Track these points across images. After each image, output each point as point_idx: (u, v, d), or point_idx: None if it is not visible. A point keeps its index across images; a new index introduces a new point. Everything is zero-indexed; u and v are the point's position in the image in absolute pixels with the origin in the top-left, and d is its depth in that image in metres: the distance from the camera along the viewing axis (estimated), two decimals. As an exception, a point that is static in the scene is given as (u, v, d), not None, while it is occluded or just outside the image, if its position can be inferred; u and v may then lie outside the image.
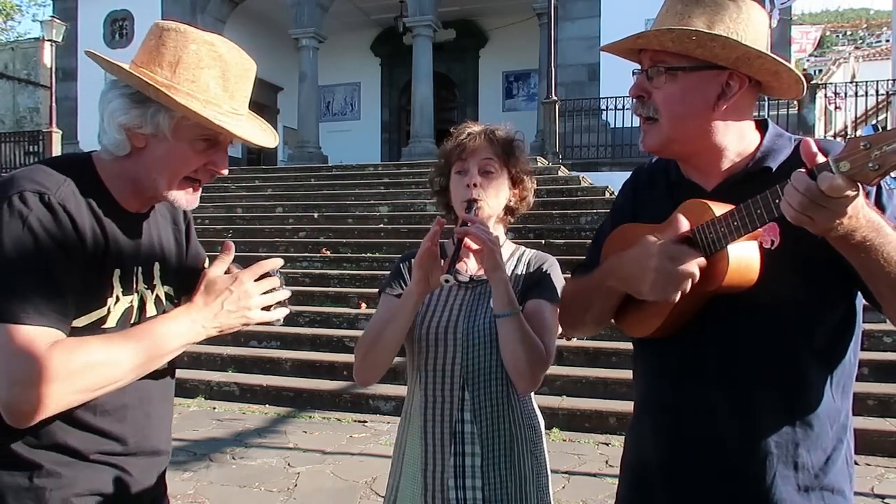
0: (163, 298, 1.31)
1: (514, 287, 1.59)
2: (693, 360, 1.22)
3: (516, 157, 1.62)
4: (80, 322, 1.13)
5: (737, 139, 1.22)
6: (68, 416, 1.14)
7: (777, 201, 0.99)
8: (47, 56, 13.63)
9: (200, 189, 1.25)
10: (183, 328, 1.16)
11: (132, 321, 1.22)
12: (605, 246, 1.37)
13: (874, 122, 11.67)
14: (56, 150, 13.52)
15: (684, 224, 1.12)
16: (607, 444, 4.57)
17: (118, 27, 15.36)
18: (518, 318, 1.47)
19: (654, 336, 1.24)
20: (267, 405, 5.52)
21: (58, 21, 13.51)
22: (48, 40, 13.40)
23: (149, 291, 1.28)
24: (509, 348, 1.47)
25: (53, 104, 13.78)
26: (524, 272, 1.64)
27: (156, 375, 1.30)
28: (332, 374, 5.81)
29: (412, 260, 1.56)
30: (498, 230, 1.67)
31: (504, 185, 1.61)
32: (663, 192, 1.27)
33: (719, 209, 1.11)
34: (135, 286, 1.24)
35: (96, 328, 1.15)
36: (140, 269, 1.25)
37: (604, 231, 1.43)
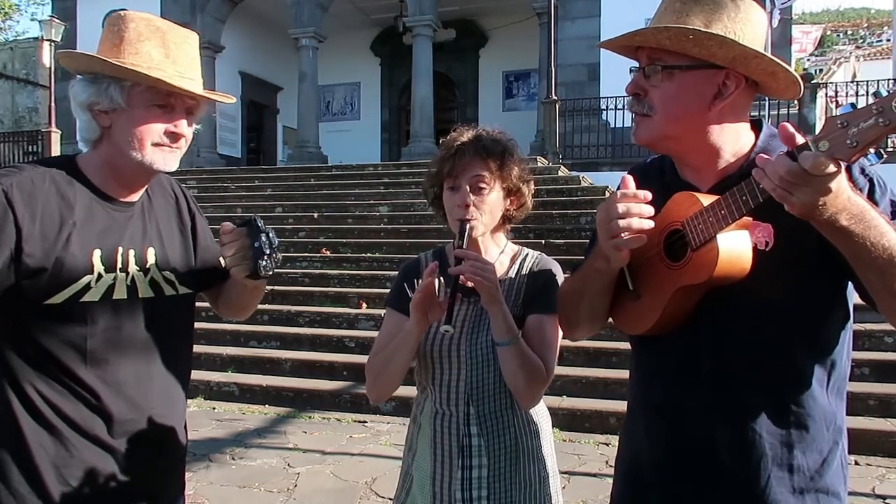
0: (161, 283, 1.37)
1: (515, 295, 1.59)
2: (688, 361, 1.22)
3: (510, 168, 1.56)
4: (57, 298, 1.22)
5: (732, 139, 1.22)
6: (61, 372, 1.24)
7: (760, 186, 1.00)
8: (46, 56, 13.59)
9: (177, 150, 1.33)
10: None
11: (117, 297, 1.29)
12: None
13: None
14: (55, 150, 13.51)
15: (628, 180, 1.16)
16: (607, 444, 4.56)
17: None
18: (517, 346, 1.47)
19: (650, 333, 1.24)
20: (267, 405, 5.51)
21: (57, 21, 13.50)
22: (47, 40, 13.37)
23: (142, 274, 1.34)
24: (509, 373, 1.49)
25: (52, 104, 13.76)
26: (526, 280, 1.61)
27: (155, 374, 1.36)
28: (331, 375, 5.80)
29: (416, 273, 1.62)
30: (497, 237, 1.66)
31: (498, 198, 1.57)
32: (658, 193, 1.26)
33: (707, 201, 1.12)
34: (119, 266, 1.30)
35: (75, 302, 1.24)
36: (132, 251, 1.33)
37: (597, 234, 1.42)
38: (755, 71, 1.17)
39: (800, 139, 0.94)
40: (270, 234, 1.30)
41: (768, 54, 1.14)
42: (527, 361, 1.47)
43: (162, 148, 1.29)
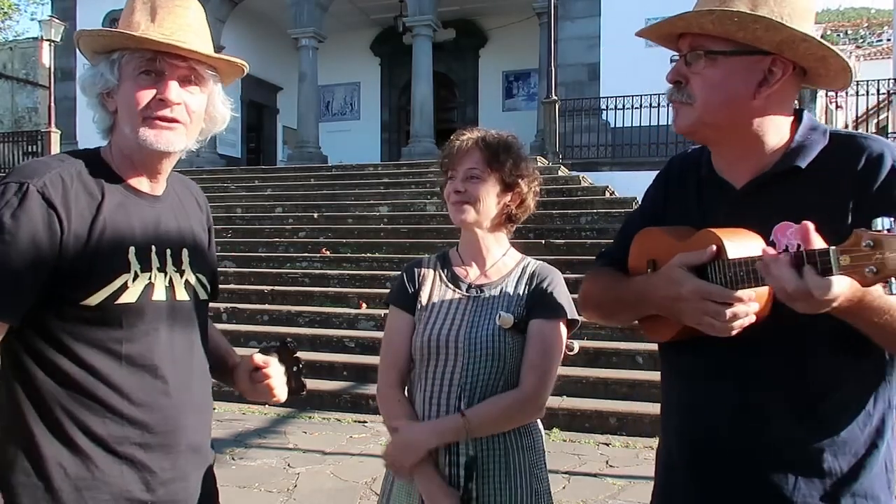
0: (193, 283, 1.32)
1: (518, 301, 1.59)
2: (713, 361, 1.18)
3: (506, 161, 1.58)
4: (93, 300, 1.15)
5: (773, 131, 1.16)
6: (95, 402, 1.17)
7: (815, 269, 0.91)
8: (46, 56, 13.62)
9: (175, 126, 1.23)
10: None
11: (156, 299, 1.23)
12: (632, 245, 1.33)
13: (875, 121, 11.64)
14: (55, 150, 13.49)
15: (707, 255, 1.07)
16: (607, 445, 4.57)
17: (117, 27, 15.32)
18: (471, 432, 1.50)
19: (673, 340, 1.22)
20: (266, 405, 5.50)
21: (56, 20, 13.49)
22: (47, 40, 13.38)
23: (178, 275, 1.28)
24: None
25: (52, 104, 13.75)
26: (528, 287, 1.62)
27: (190, 380, 1.30)
28: (331, 375, 5.80)
29: (418, 269, 1.66)
30: (499, 238, 1.67)
31: (492, 190, 1.58)
32: (692, 189, 1.23)
33: (733, 245, 1.05)
34: (155, 265, 1.24)
35: (111, 304, 1.17)
36: (168, 250, 1.27)
37: (633, 221, 1.39)
38: (803, 56, 1.11)
39: (817, 242, 0.90)
40: (293, 345, 1.39)
41: (817, 38, 1.09)
42: (506, 421, 1.54)
43: (153, 123, 1.20)
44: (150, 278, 1.22)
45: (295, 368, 1.38)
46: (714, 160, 1.24)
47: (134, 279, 1.20)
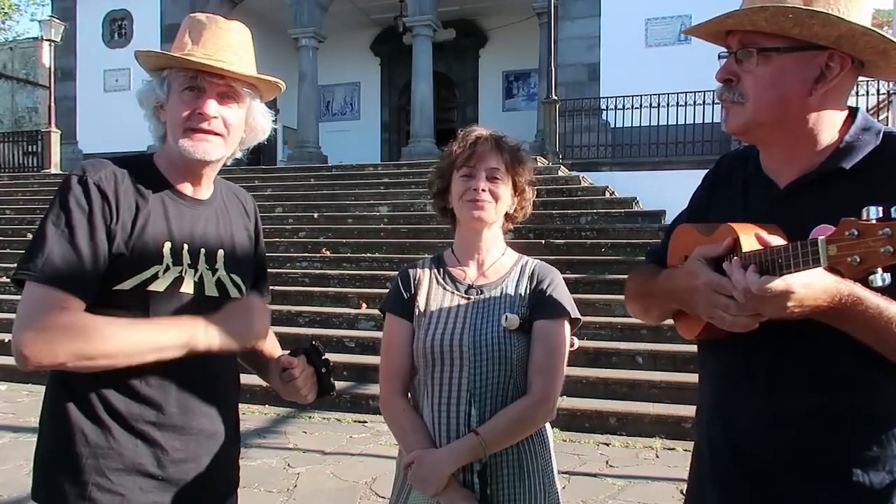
0: (227, 283, 1.40)
1: (520, 302, 1.59)
2: (742, 365, 1.16)
3: (522, 167, 1.62)
4: (126, 285, 1.27)
5: (828, 128, 1.12)
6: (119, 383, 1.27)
7: (806, 258, 0.91)
8: (46, 56, 13.64)
9: (210, 137, 1.34)
10: (182, 336, 1.25)
11: (183, 291, 1.33)
12: (669, 242, 1.33)
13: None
14: (55, 151, 13.51)
15: (723, 247, 1.07)
16: (607, 445, 4.57)
17: (117, 27, 15.35)
18: (487, 448, 1.49)
19: (699, 339, 1.21)
20: (267, 405, 5.51)
21: (56, 21, 13.50)
22: (47, 40, 13.40)
23: (209, 273, 1.38)
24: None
25: (52, 104, 13.77)
26: (529, 288, 1.61)
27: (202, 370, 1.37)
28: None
29: (412, 272, 1.65)
30: (499, 238, 1.68)
31: (508, 193, 1.61)
32: (738, 187, 1.21)
33: (749, 239, 1.04)
34: (186, 261, 1.34)
35: (142, 290, 1.28)
36: (202, 250, 1.36)
37: (680, 219, 1.38)
38: (863, 50, 1.07)
39: (772, 239, 0.93)
40: (321, 348, 1.46)
41: (879, 31, 1.05)
42: (517, 433, 1.53)
43: (192, 134, 1.31)
44: (180, 272, 1.32)
45: (323, 370, 1.45)
46: (762, 158, 1.22)
47: (165, 271, 1.30)
